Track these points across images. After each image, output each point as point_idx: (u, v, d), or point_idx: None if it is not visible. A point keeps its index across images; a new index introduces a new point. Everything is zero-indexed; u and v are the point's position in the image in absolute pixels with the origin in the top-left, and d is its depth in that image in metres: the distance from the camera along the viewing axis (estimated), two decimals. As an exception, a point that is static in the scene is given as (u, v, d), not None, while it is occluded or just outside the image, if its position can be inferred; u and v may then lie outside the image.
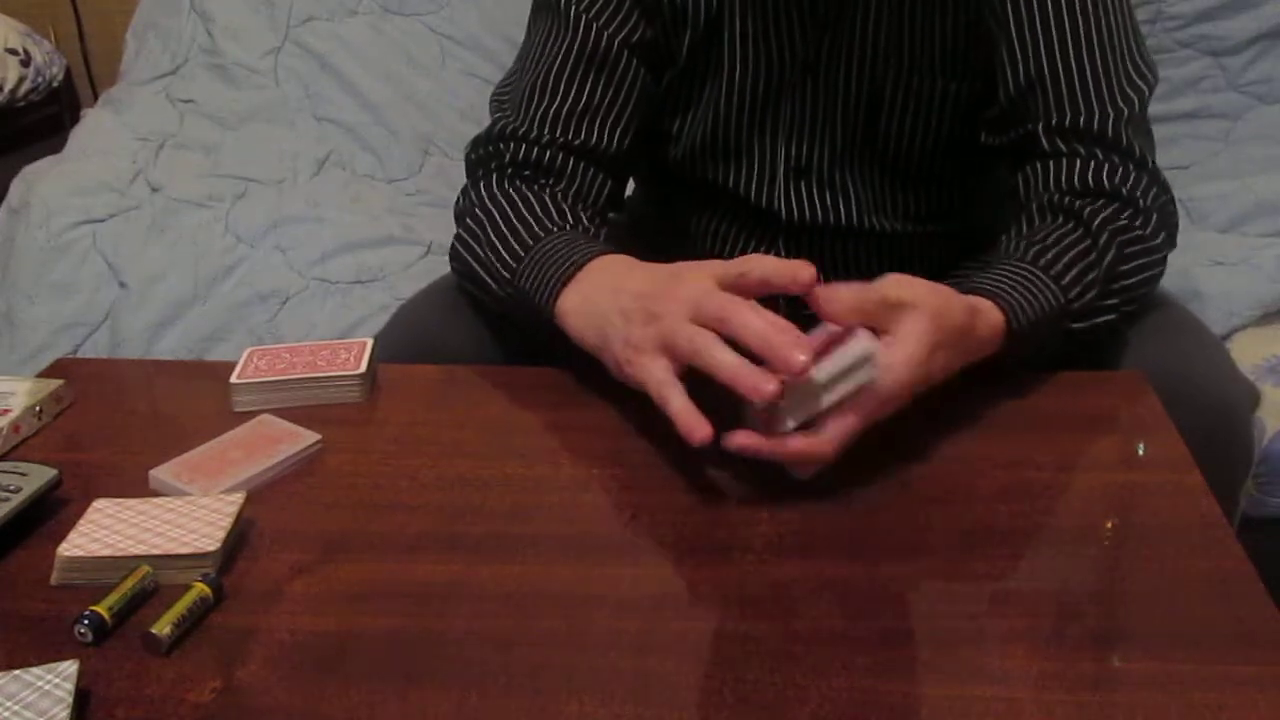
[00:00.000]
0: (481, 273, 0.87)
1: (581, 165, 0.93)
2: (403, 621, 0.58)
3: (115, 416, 0.81)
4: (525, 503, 0.69)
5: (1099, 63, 0.87)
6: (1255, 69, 1.69)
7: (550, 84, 0.93)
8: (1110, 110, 0.87)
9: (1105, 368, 0.83)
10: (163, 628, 0.56)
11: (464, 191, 0.95)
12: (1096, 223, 0.82)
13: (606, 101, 0.93)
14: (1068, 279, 0.79)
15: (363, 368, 0.81)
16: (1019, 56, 0.88)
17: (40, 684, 0.53)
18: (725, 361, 0.65)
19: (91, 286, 1.53)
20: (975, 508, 0.66)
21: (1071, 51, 0.87)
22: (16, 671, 0.53)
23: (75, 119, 1.97)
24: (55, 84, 2.43)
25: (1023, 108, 0.89)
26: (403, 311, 0.96)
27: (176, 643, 0.57)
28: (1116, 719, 0.50)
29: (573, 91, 0.93)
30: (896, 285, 0.69)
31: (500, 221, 0.87)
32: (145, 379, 0.91)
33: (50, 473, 0.68)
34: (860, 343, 0.66)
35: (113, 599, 0.58)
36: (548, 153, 0.92)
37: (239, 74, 1.89)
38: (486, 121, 0.97)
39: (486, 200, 0.90)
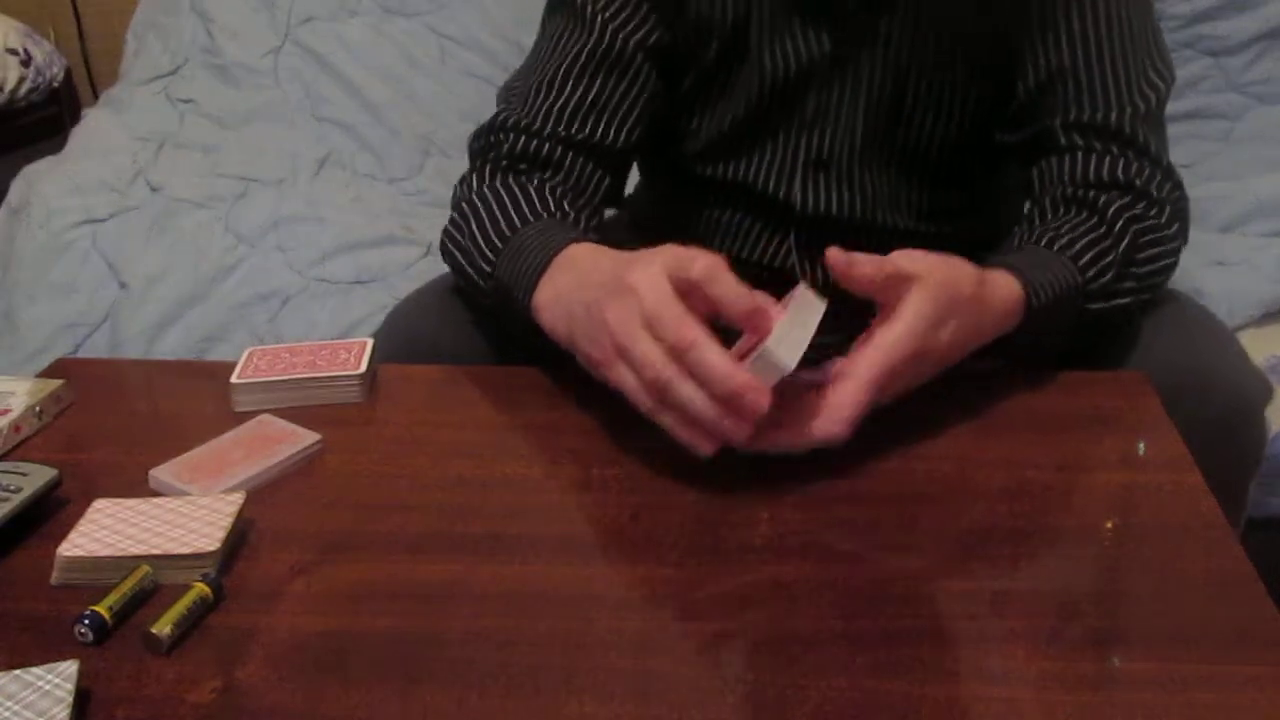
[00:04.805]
0: (465, 264, 0.86)
1: (581, 160, 0.93)
2: (403, 621, 0.58)
3: (115, 416, 0.81)
4: (525, 503, 0.69)
5: (1119, 60, 0.88)
6: (1255, 69, 1.69)
7: (559, 80, 0.93)
8: (1128, 106, 0.88)
9: (1119, 360, 0.83)
10: (163, 628, 0.56)
11: (460, 181, 0.95)
12: (1111, 211, 0.84)
13: (615, 98, 0.93)
14: (1085, 260, 0.81)
15: (363, 368, 0.81)
16: (1040, 51, 0.89)
17: (40, 684, 0.53)
18: (695, 404, 0.64)
19: (91, 286, 1.53)
20: (975, 508, 0.66)
21: (1094, 48, 0.88)
22: (17, 671, 0.53)
23: (75, 119, 1.97)
24: (55, 84, 2.44)
25: (1041, 103, 0.90)
26: (396, 313, 0.95)
27: (176, 643, 0.57)
28: (1116, 719, 0.50)
29: (580, 88, 0.93)
30: (906, 258, 0.70)
31: (484, 214, 0.86)
32: (145, 379, 0.91)
33: (50, 473, 0.68)
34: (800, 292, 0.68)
35: (113, 599, 0.58)
36: (546, 145, 0.92)
37: (239, 74, 1.90)
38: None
39: (475, 194, 0.90)
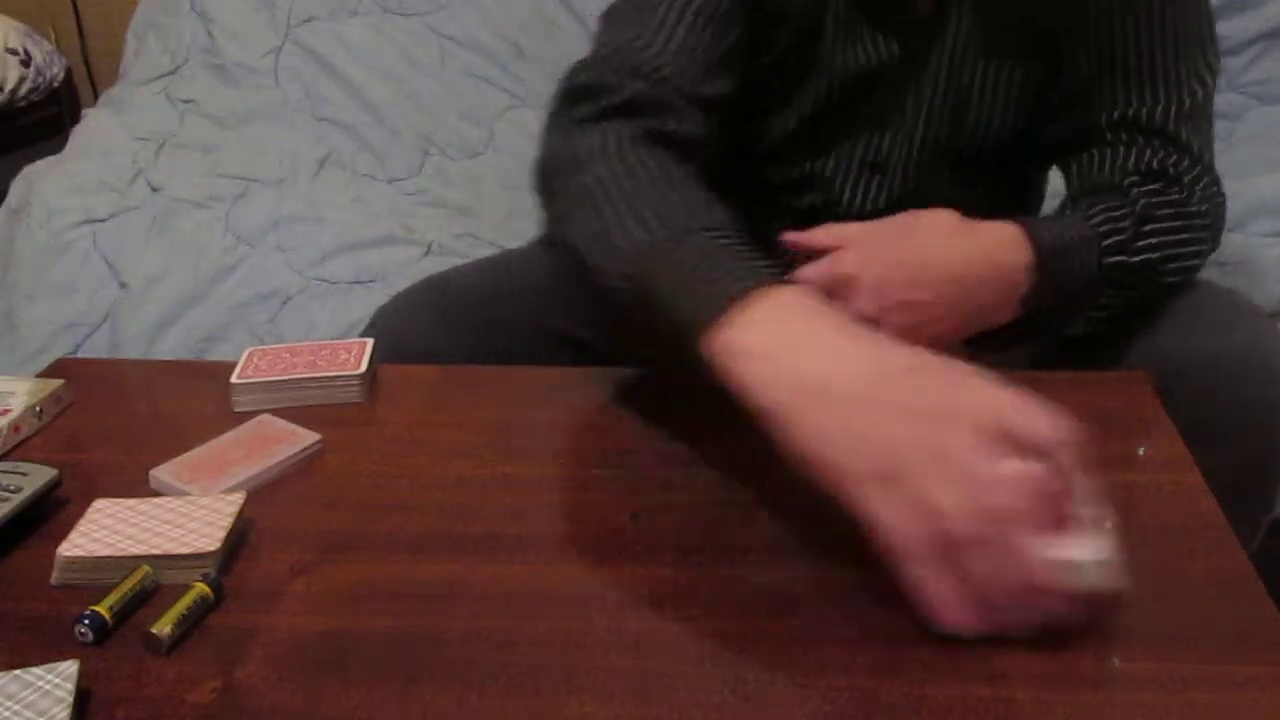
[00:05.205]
0: (591, 246, 0.74)
1: (700, 117, 0.86)
2: (403, 621, 0.58)
3: (115, 416, 0.81)
4: (525, 503, 0.69)
5: (1170, 51, 0.88)
6: (1255, 69, 1.69)
7: (674, 21, 0.87)
8: (1174, 102, 0.88)
9: (1156, 343, 0.83)
10: (163, 628, 0.56)
11: (557, 133, 0.84)
12: (1133, 192, 0.85)
13: (731, 54, 0.89)
14: (1093, 212, 0.83)
15: (363, 368, 0.81)
16: (1094, 43, 0.89)
17: (41, 684, 0.53)
18: (988, 584, 0.54)
19: (91, 286, 1.53)
20: (975, 508, 0.66)
21: (1145, 39, 0.88)
22: (17, 671, 0.54)
23: (75, 119, 1.97)
24: (55, 84, 2.44)
25: (1090, 96, 0.90)
26: (385, 312, 0.94)
27: (176, 643, 0.57)
28: (1116, 719, 0.50)
29: (695, 36, 0.87)
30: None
31: (624, 202, 0.74)
32: (145, 379, 0.91)
33: (50, 473, 0.68)
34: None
35: (113, 599, 0.58)
36: (674, 98, 0.85)
37: (239, 74, 1.89)
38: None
39: (598, 155, 0.78)
